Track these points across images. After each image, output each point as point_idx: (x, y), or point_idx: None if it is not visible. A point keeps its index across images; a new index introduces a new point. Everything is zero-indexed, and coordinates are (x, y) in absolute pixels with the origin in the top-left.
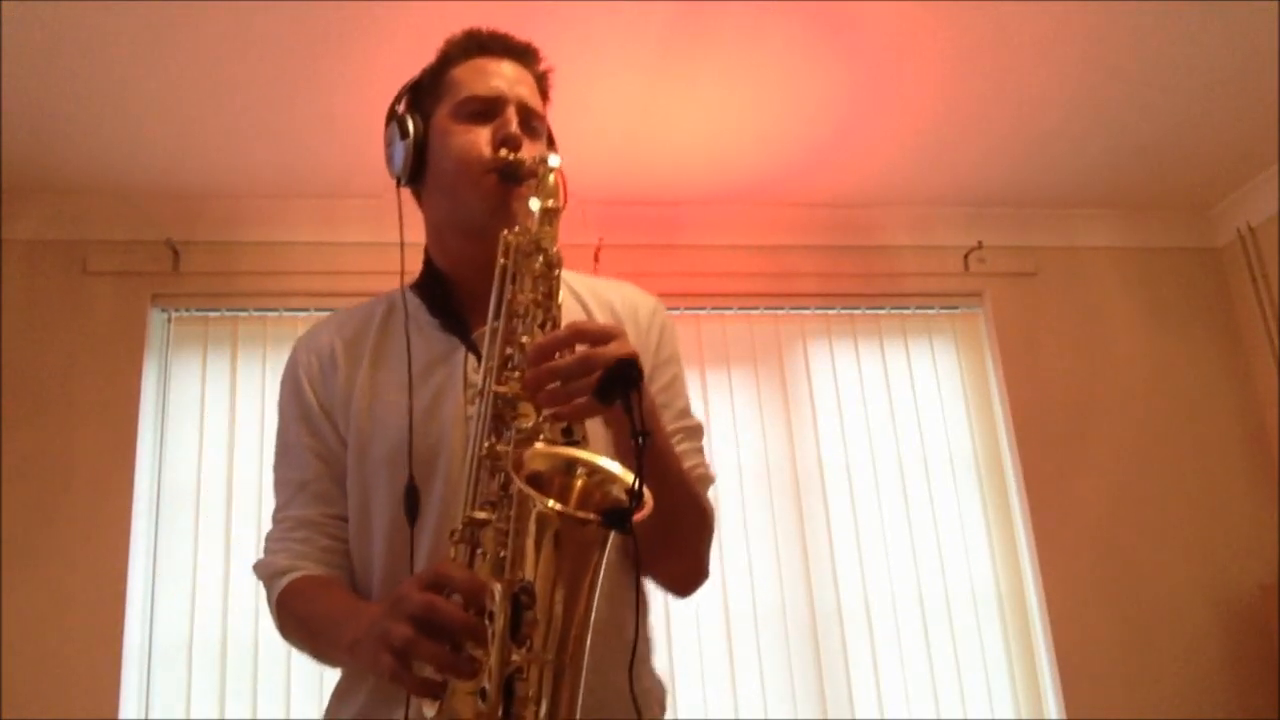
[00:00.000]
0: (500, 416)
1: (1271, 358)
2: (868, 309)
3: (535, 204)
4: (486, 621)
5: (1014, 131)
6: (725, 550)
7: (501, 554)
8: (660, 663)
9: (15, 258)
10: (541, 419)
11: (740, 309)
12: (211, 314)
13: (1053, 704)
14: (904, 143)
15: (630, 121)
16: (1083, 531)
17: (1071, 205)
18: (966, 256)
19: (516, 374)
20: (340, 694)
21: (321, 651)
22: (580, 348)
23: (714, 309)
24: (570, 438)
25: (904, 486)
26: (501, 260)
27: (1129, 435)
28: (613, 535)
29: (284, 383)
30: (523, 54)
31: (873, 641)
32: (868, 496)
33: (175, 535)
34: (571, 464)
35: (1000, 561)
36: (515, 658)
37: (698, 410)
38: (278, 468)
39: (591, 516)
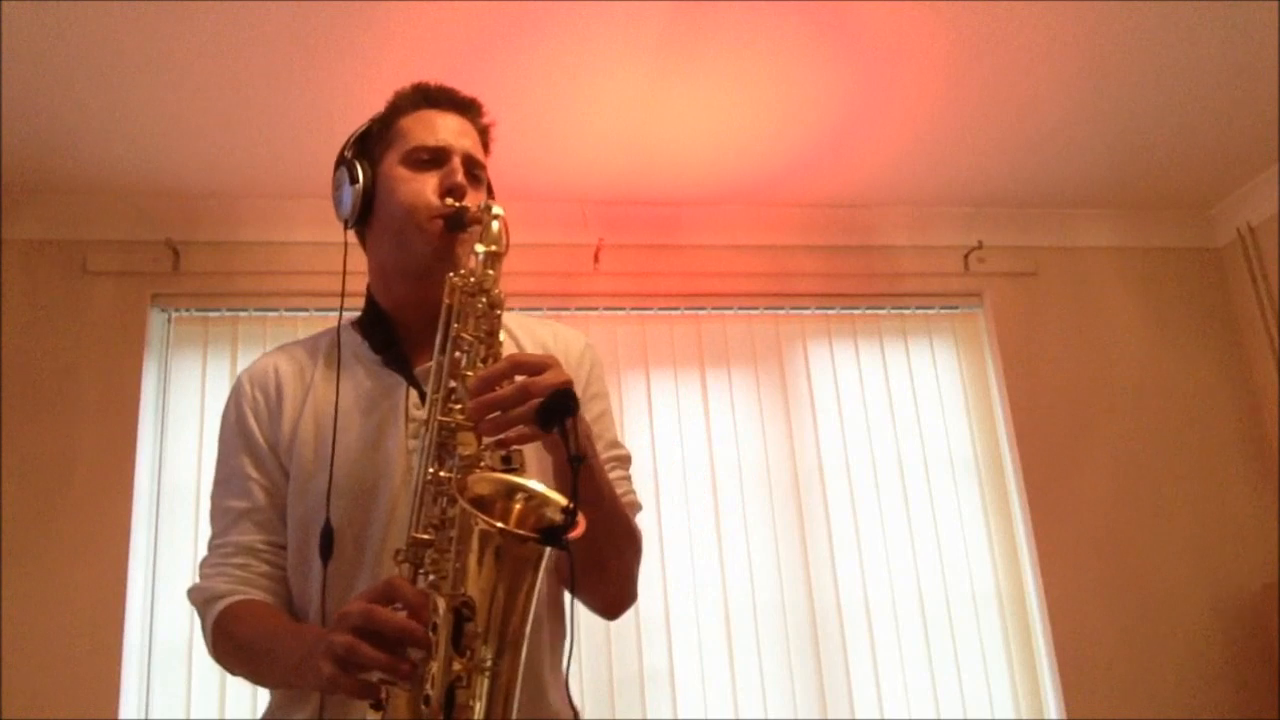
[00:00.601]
0: (444, 445)
1: (1271, 358)
2: (868, 309)
3: (480, 249)
4: (430, 633)
5: (1014, 131)
6: (725, 550)
7: (444, 574)
8: (660, 661)
9: (15, 258)
10: (482, 447)
11: (740, 309)
12: (211, 314)
13: (1053, 704)
14: (904, 143)
15: (630, 121)
16: (1083, 531)
17: (1071, 205)
18: (966, 256)
19: (459, 405)
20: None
21: (261, 673)
22: (519, 378)
23: (714, 309)
24: (509, 465)
25: (904, 486)
26: (447, 300)
27: (1129, 435)
28: (547, 554)
29: (227, 414)
30: (467, 108)
31: (873, 641)
32: (868, 496)
33: (175, 535)
34: (512, 489)
35: (1000, 561)
36: (456, 666)
37: (698, 410)
38: (217, 496)
39: (530, 534)
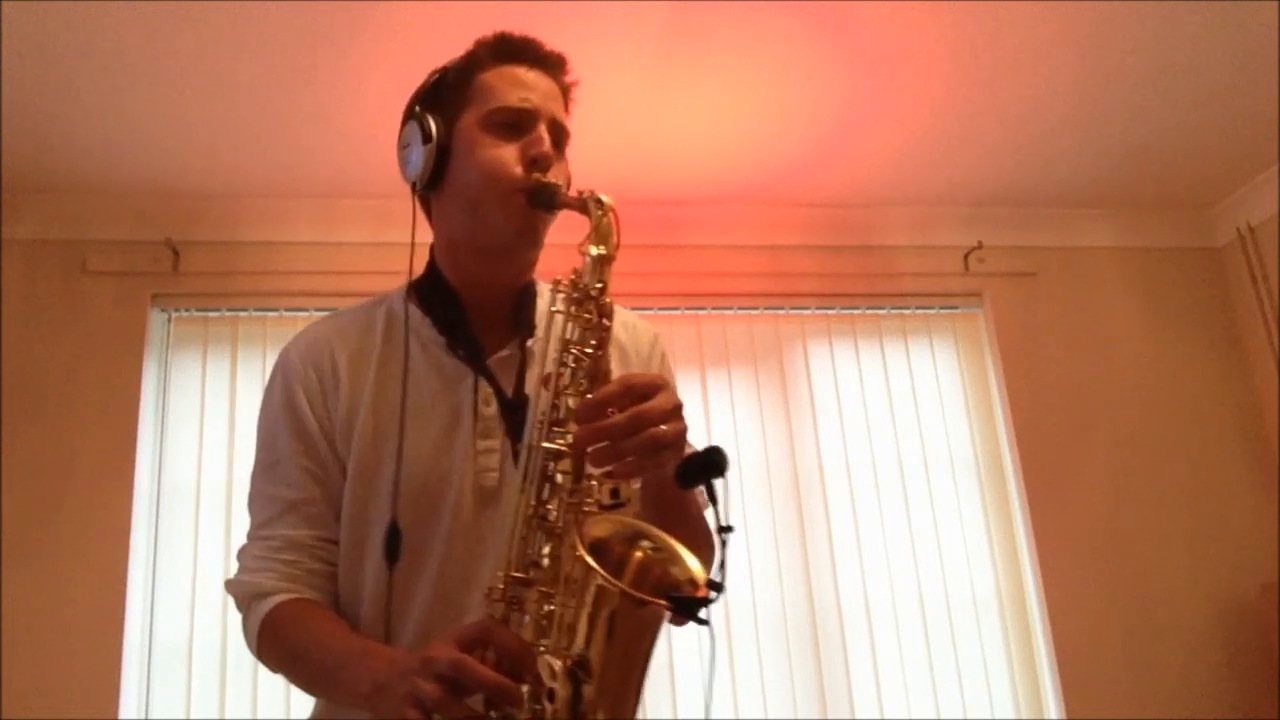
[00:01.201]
0: (543, 470)
1: (1271, 358)
2: (868, 309)
3: (592, 251)
4: (546, 701)
5: (1014, 131)
6: (725, 550)
7: (545, 620)
8: (660, 660)
9: (15, 258)
10: (589, 477)
11: (740, 309)
12: (211, 314)
13: (1053, 704)
14: (904, 143)
15: (630, 121)
16: (1083, 531)
17: (1071, 205)
18: (966, 256)
19: (560, 430)
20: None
21: (316, 686)
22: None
23: (714, 309)
24: (616, 499)
25: (904, 486)
26: (553, 308)
27: (1129, 435)
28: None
29: (275, 391)
30: (554, 65)
31: (873, 641)
32: (868, 497)
33: (175, 535)
34: (634, 534)
35: (1000, 561)
36: None
37: (698, 410)
38: (263, 480)
39: (667, 604)
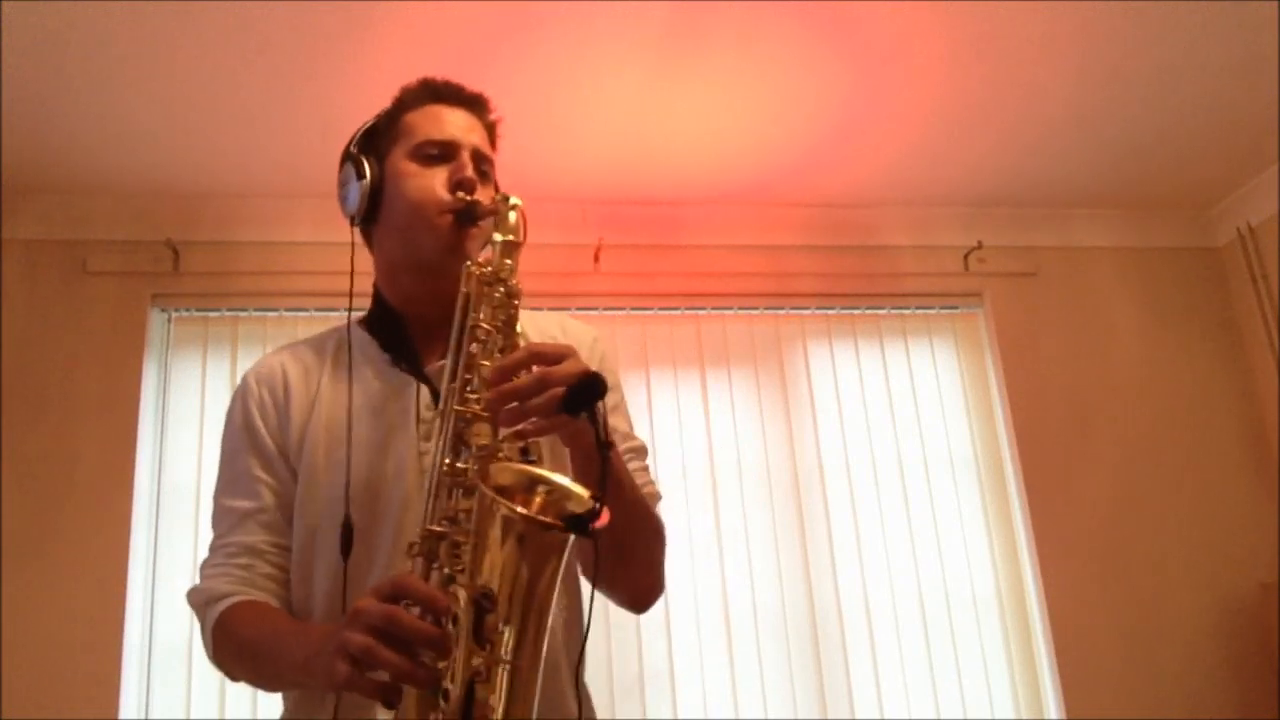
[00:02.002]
0: (459, 437)
1: (1271, 358)
2: (868, 309)
3: (498, 238)
4: (450, 626)
5: (1014, 131)
6: (725, 550)
7: (459, 567)
8: (660, 662)
9: (15, 258)
10: (500, 439)
11: (740, 309)
12: (211, 314)
13: (1053, 704)
14: (904, 143)
15: (630, 121)
16: (1083, 531)
17: (1071, 205)
18: (966, 256)
19: (475, 396)
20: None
21: (264, 675)
22: (536, 368)
23: (714, 309)
24: (527, 457)
25: (904, 486)
26: (464, 289)
27: (1129, 435)
28: (570, 548)
29: (233, 413)
30: (474, 104)
31: (873, 641)
32: (868, 497)
33: (175, 535)
34: (533, 481)
35: (1000, 561)
36: (476, 660)
37: (698, 410)
38: (221, 496)
39: (556, 522)
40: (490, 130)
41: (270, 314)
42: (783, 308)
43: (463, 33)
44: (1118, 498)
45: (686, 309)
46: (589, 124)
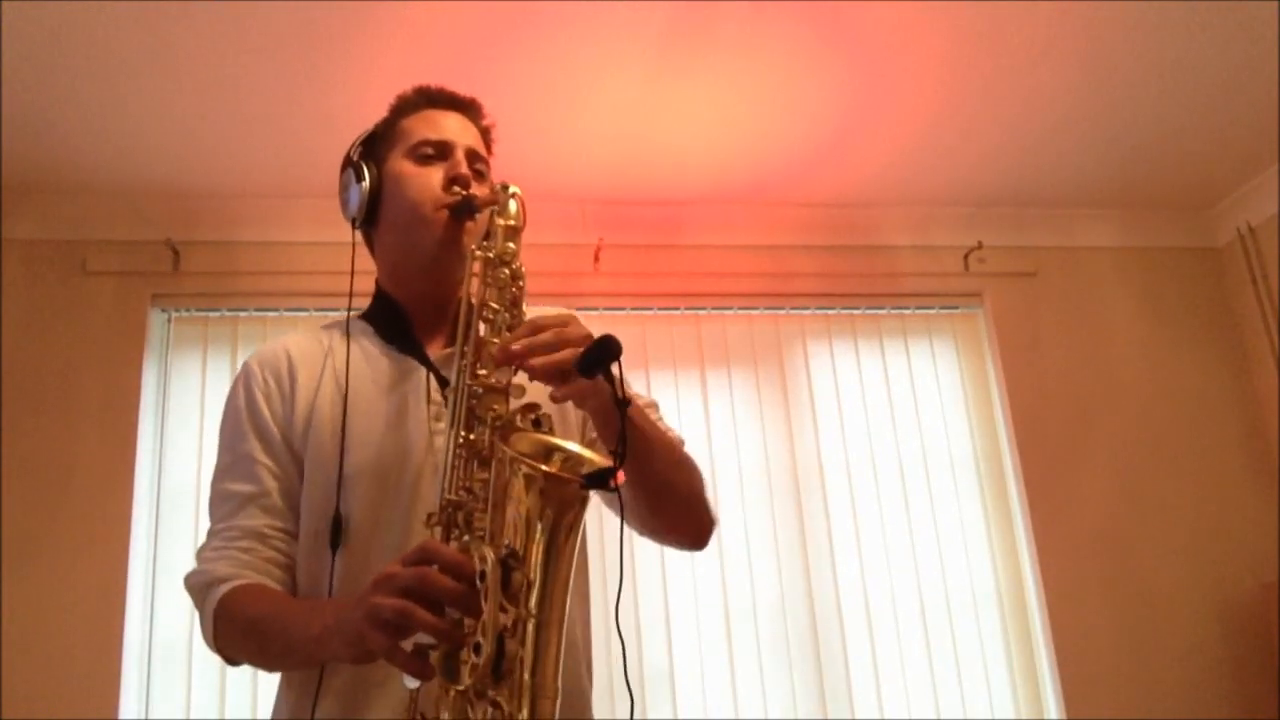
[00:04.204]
0: (471, 412)
1: (1271, 358)
2: (868, 309)
3: (500, 222)
4: (478, 583)
5: (1014, 131)
6: (725, 550)
7: (479, 532)
8: (660, 661)
9: (15, 258)
10: (514, 412)
11: (740, 309)
12: (211, 314)
13: (1053, 704)
14: (904, 143)
15: (630, 121)
16: (1083, 531)
17: (1071, 205)
18: (966, 256)
19: (484, 372)
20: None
21: (271, 651)
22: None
23: (714, 309)
24: (540, 428)
25: (904, 486)
26: (470, 271)
27: (1129, 435)
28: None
29: (234, 398)
30: (468, 107)
31: (873, 641)
32: (868, 496)
33: (175, 535)
34: (549, 449)
35: (1000, 561)
36: (503, 618)
37: (698, 410)
38: (221, 481)
39: (576, 476)
40: (485, 134)
41: (270, 314)
42: (783, 308)
43: (463, 33)
44: (1117, 497)
45: (686, 309)
46: (589, 124)
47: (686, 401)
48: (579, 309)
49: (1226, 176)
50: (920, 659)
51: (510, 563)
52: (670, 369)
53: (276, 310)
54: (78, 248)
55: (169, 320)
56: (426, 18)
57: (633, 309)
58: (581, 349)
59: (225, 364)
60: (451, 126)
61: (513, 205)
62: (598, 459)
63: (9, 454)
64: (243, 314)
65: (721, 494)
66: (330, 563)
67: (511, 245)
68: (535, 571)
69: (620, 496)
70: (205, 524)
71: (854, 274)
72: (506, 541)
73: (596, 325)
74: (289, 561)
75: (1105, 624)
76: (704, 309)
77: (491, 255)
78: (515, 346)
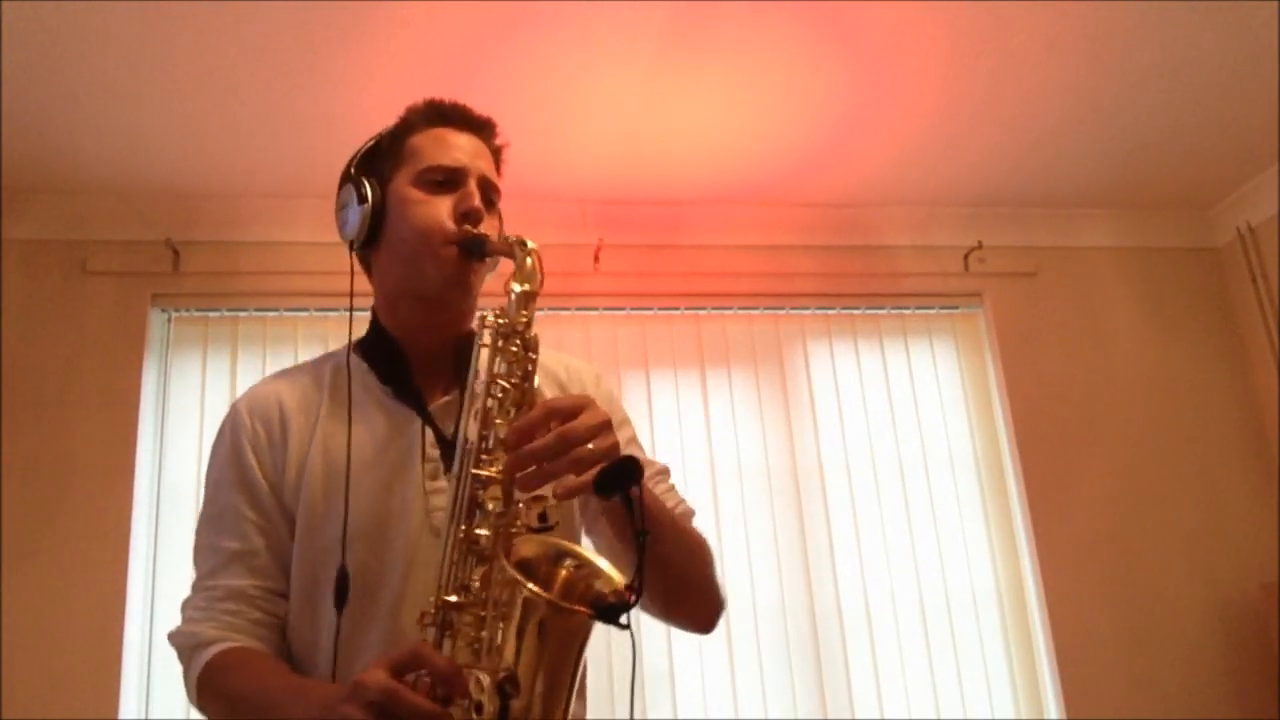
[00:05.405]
0: (474, 500)
1: (1271, 358)
2: (868, 309)
3: (515, 287)
4: (474, 714)
5: (1014, 131)
6: (725, 550)
7: (477, 641)
8: (660, 661)
9: (15, 258)
10: (518, 502)
11: (740, 309)
12: (211, 314)
13: (1053, 704)
14: (904, 143)
15: (630, 121)
16: (1083, 531)
17: (1071, 205)
18: (966, 256)
19: (490, 458)
20: None
21: None
22: (554, 424)
23: (714, 309)
24: (545, 523)
25: (904, 486)
26: (482, 343)
27: (1129, 435)
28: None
29: (221, 445)
30: (482, 127)
31: (873, 641)
32: (868, 496)
33: (175, 535)
34: (559, 554)
35: (1000, 561)
36: None
37: (698, 410)
38: (206, 533)
39: (585, 610)
40: (497, 155)
41: (270, 314)
42: (783, 308)
43: (463, 32)
44: (1118, 497)
45: (686, 309)
46: (589, 124)
47: (686, 401)
48: (579, 309)
49: (1226, 176)
50: (920, 659)
51: (508, 688)
52: (670, 369)
53: (276, 310)
54: (78, 248)
55: (169, 320)
56: (426, 18)
57: (633, 309)
58: (595, 466)
59: (225, 364)
60: (465, 150)
61: (529, 262)
62: (612, 573)
63: (9, 454)
64: (243, 314)
65: (721, 494)
66: (333, 623)
67: (525, 314)
68: (537, 704)
69: (633, 635)
70: None
71: (854, 274)
72: (504, 667)
73: (596, 325)
74: (277, 621)
75: (1105, 624)
76: (704, 309)
77: (503, 323)
78: (526, 474)
